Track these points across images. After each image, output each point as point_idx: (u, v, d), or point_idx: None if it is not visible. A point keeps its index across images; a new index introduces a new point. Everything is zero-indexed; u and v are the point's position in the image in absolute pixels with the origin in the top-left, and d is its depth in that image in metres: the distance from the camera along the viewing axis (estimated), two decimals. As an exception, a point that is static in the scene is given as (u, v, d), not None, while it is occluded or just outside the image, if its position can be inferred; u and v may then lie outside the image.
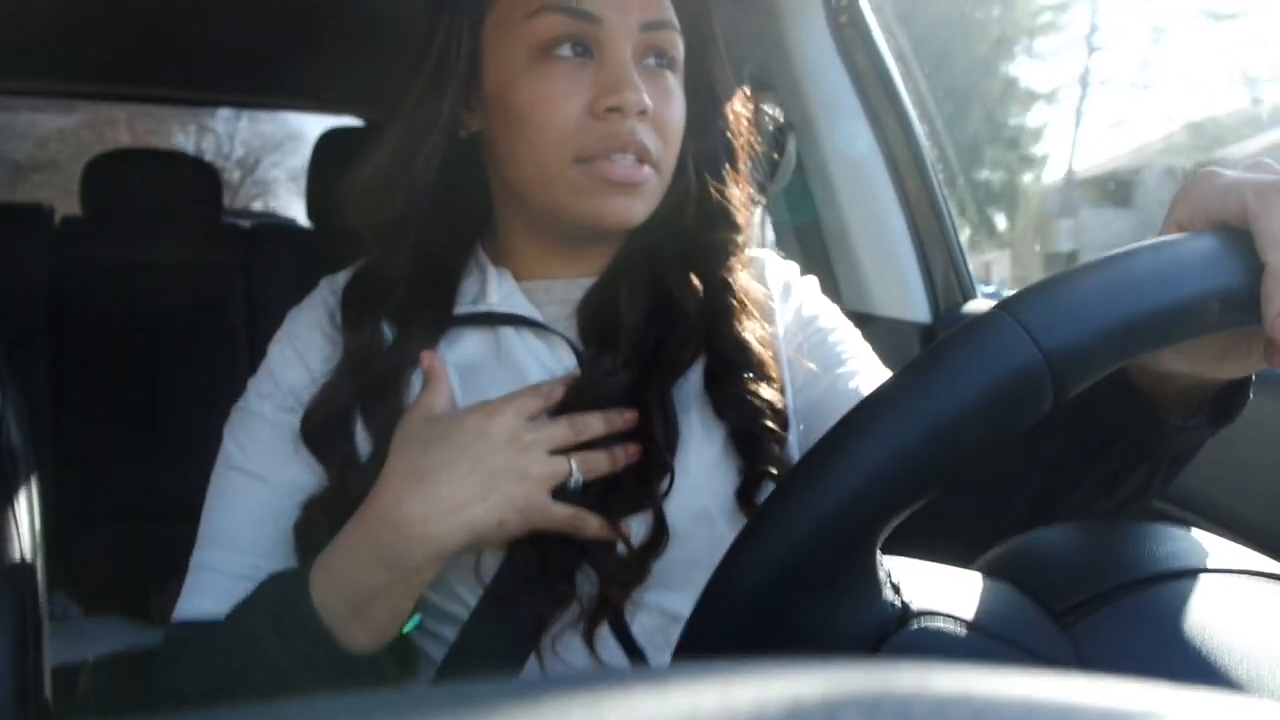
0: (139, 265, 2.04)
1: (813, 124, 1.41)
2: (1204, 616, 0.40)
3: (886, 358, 0.82)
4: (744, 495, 0.72)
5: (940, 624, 0.40)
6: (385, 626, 0.66)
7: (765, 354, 0.75)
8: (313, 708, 0.16)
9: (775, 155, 1.45)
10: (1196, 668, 0.38)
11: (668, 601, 0.72)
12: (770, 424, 0.73)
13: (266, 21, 1.74)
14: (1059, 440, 0.60)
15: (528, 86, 0.70)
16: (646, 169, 0.71)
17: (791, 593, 0.38)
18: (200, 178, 2.16)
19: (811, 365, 0.78)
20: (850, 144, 1.40)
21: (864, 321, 1.46)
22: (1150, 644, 0.40)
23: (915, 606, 0.41)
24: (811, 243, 1.51)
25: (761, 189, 0.83)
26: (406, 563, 0.63)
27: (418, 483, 0.63)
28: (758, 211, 1.57)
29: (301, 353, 0.76)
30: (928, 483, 0.39)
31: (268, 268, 2.10)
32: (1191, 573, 0.43)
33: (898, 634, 0.40)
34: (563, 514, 0.66)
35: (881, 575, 0.41)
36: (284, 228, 2.84)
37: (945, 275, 1.40)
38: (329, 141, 2.01)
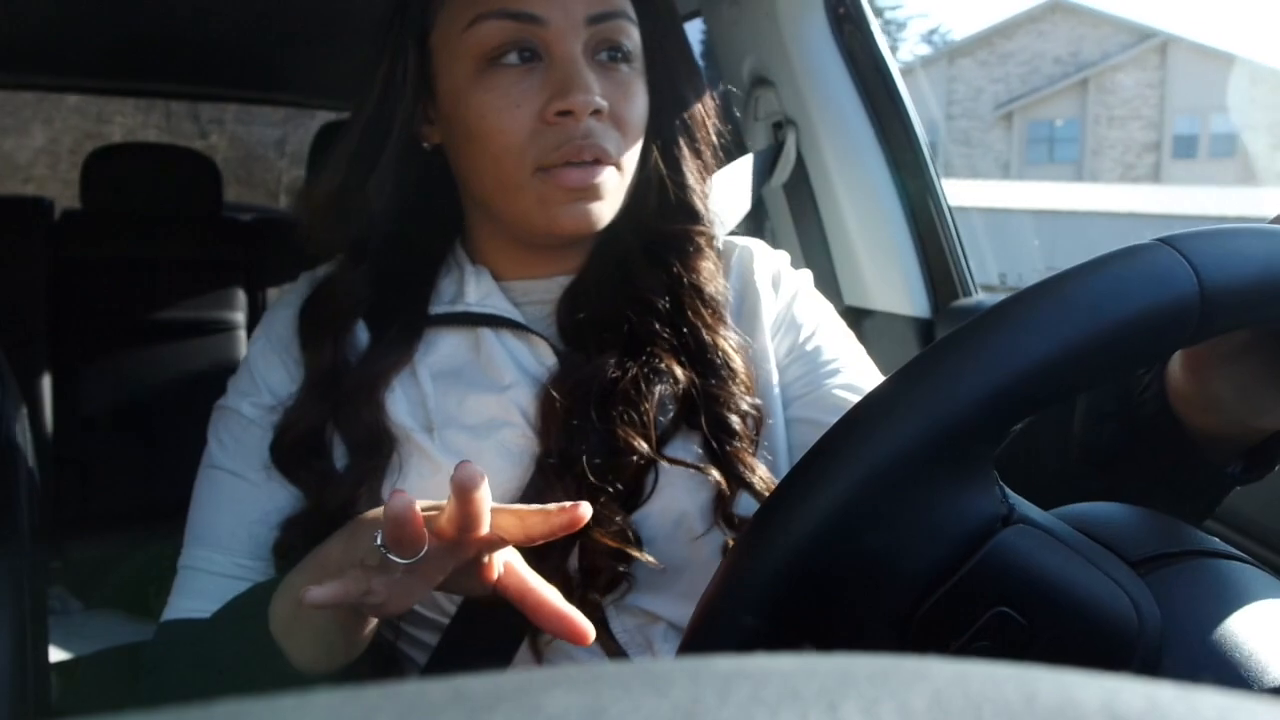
0: (140, 261, 2.04)
1: (812, 119, 1.41)
2: (1264, 592, 0.44)
3: (885, 353, 0.82)
4: (718, 507, 0.69)
5: (1040, 534, 0.42)
6: (318, 652, 0.62)
7: (731, 350, 0.73)
8: (309, 702, 0.16)
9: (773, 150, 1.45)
10: (1262, 631, 0.41)
11: (647, 603, 0.70)
12: (740, 428, 0.70)
13: (267, 15, 1.74)
14: (1107, 486, 0.60)
15: (476, 98, 0.68)
16: (605, 170, 0.69)
17: (921, 470, 0.40)
18: (200, 172, 2.16)
19: (800, 373, 0.76)
20: (849, 138, 1.40)
21: (863, 316, 1.47)
22: (1221, 601, 0.43)
23: (1018, 511, 0.42)
24: (811, 237, 1.51)
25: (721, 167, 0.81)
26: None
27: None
28: (770, 213, 1.58)
29: (280, 352, 0.75)
30: (1060, 391, 0.40)
31: (269, 262, 2.10)
32: (1247, 561, 0.46)
33: (1004, 530, 0.41)
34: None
35: (995, 475, 0.43)
36: (284, 221, 2.83)
37: (944, 270, 1.40)
38: (329, 134, 2.01)
